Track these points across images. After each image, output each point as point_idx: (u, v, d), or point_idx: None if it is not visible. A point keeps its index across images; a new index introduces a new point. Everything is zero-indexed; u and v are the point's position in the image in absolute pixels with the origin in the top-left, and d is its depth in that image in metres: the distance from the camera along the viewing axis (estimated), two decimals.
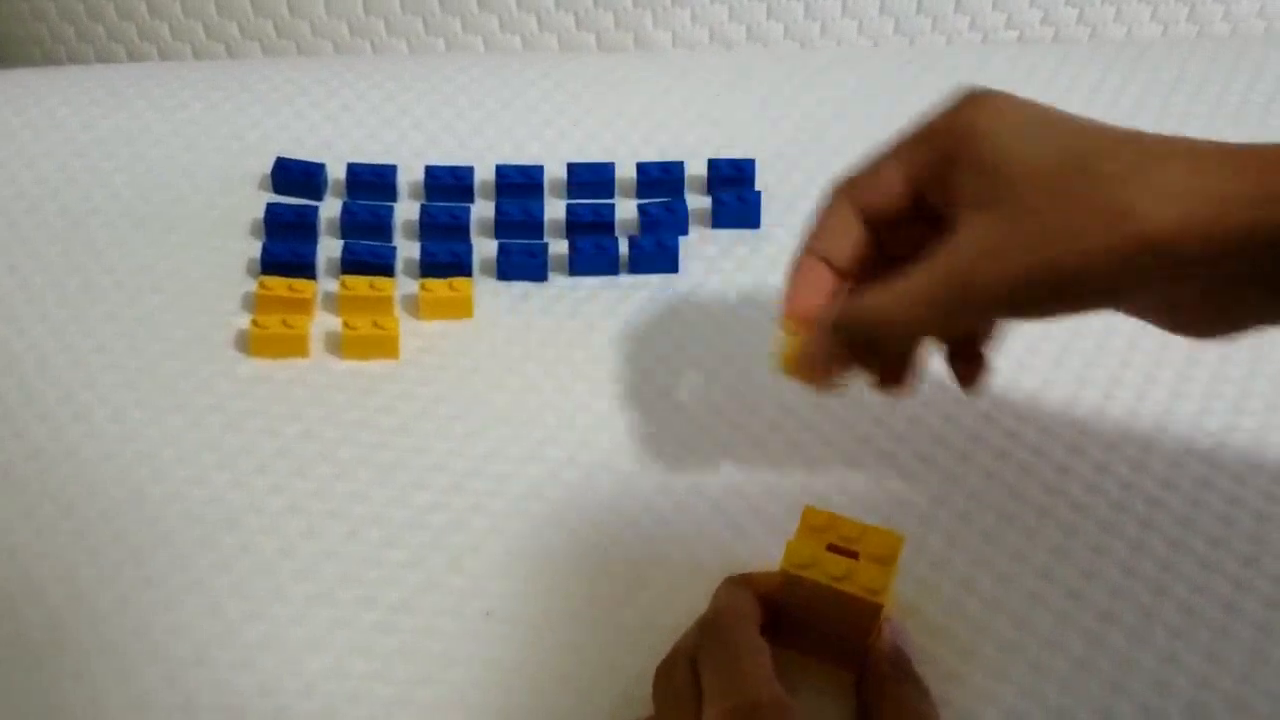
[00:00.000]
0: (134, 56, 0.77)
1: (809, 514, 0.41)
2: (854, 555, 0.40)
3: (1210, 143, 0.37)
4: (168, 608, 0.44)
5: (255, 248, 0.57)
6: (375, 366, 0.52)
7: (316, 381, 0.52)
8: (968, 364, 0.43)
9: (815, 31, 0.75)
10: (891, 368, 0.42)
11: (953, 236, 0.37)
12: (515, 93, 0.67)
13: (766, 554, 0.45)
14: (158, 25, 0.75)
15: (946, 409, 0.50)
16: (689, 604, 0.44)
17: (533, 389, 0.52)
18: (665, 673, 0.40)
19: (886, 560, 0.40)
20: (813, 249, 0.42)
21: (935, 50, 0.75)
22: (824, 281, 0.41)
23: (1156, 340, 0.53)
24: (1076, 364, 0.52)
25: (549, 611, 0.44)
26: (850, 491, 0.48)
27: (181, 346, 0.53)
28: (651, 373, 0.52)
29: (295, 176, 0.60)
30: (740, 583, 0.41)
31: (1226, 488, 0.48)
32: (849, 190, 0.41)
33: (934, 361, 0.51)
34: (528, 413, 0.51)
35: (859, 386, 0.44)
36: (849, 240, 0.41)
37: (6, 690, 0.42)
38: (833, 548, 0.40)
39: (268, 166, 0.61)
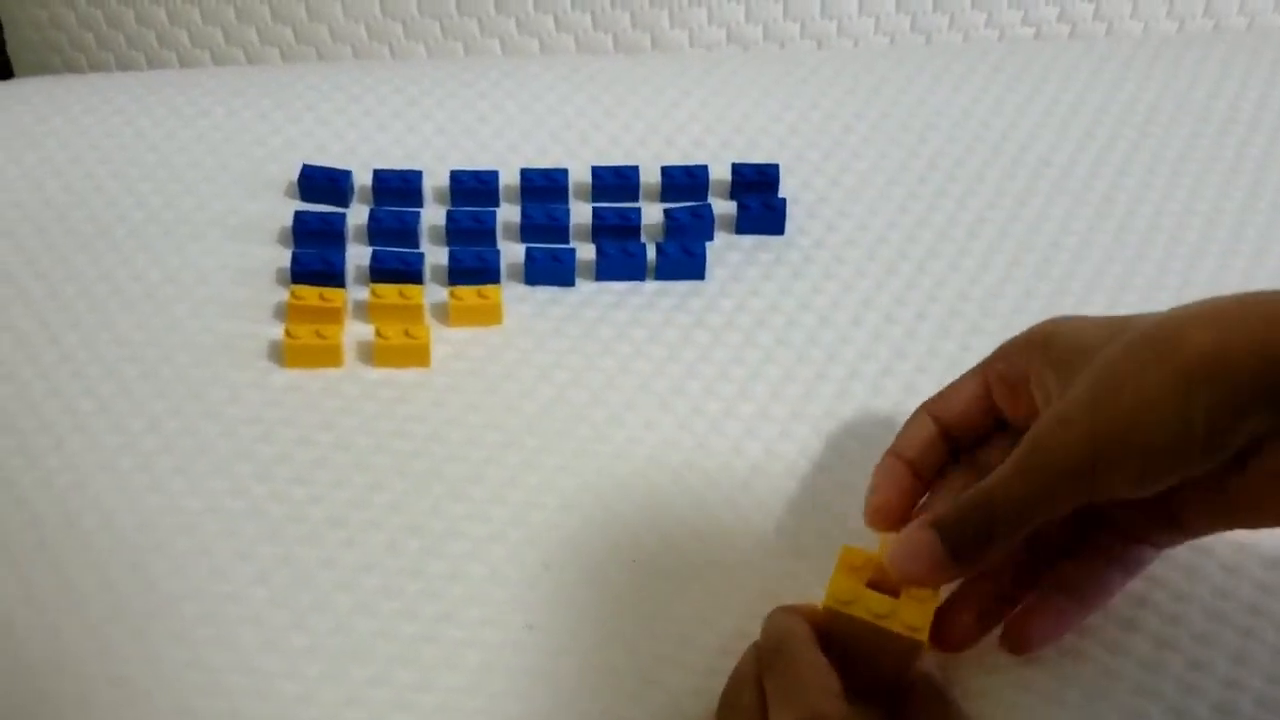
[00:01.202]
0: (153, 63, 0.77)
1: (847, 554, 0.42)
2: (894, 591, 0.41)
3: (1255, 294, 0.38)
4: (209, 619, 0.44)
5: (282, 255, 0.57)
6: (407, 375, 0.53)
7: (349, 390, 0.52)
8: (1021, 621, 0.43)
9: (832, 30, 0.76)
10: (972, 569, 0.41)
11: (1032, 438, 0.39)
12: (535, 96, 0.67)
13: (800, 570, 0.45)
14: (177, 32, 0.76)
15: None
16: (728, 618, 0.44)
17: (564, 398, 0.52)
18: (731, 695, 0.40)
19: (926, 602, 0.40)
20: (892, 452, 0.44)
21: (952, 48, 0.75)
22: (904, 481, 0.44)
23: None
24: None
25: (588, 624, 0.44)
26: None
27: (212, 355, 0.53)
28: (682, 383, 0.53)
29: (321, 183, 0.60)
30: (794, 611, 0.41)
31: None
32: (931, 405, 0.45)
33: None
34: (560, 422, 0.51)
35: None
36: (923, 443, 0.44)
37: (52, 702, 0.43)
38: (878, 572, 0.41)
39: (292, 173, 0.61)
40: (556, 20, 0.74)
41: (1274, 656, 0.43)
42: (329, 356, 0.53)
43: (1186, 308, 0.39)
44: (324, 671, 0.43)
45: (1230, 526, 0.42)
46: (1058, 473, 0.38)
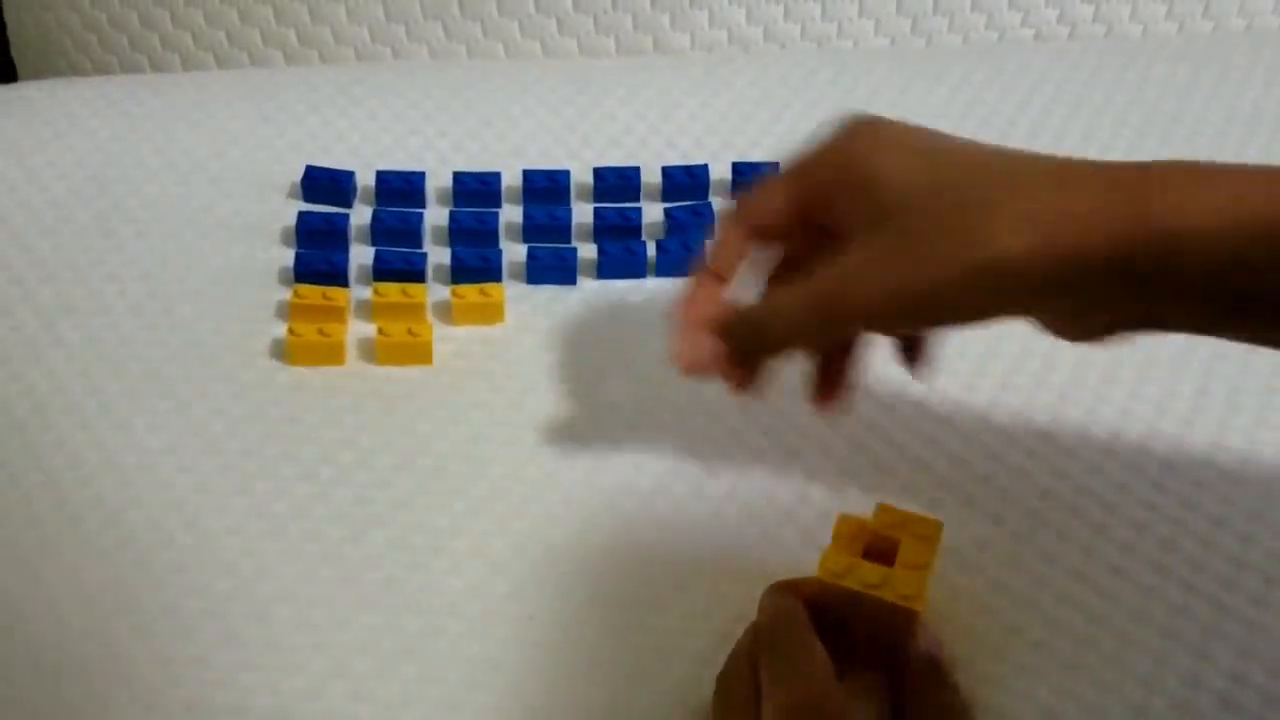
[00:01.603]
0: (157, 66, 0.77)
1: (842, 522, 0.42)
2: (894, 546, 0.41)
3: (1079, 163, 0.38)
4: (215, 615, 0.45)
5: (286, 255, 0.58)
6: (410, 372, 0.53)
7: (353, 388, 0.52)
8: (832, 381, 0.46)
9: (832, 32, 0.76)
10: (754, 369, 0.44)
11: (835, 255, 0.40)
12: (538, 98, 0.67)
13: (801, 559, 0.45)
14: (180, 34, 0.76)
15: (978, 411, 0.51)
16: (728, 608, 0.44)
17: (567, 393, 0.52)
18: (727, 681, 0.40)
19: (928, 540, 0.41)
20: (706, 266, 0.44)
21: (952, 49, 0.75)
22: (713, 294, 0.44)
23: (1178, 344, 0.54)
24: (1103, 361, 0.53)
25: (589, 616, 0.45)
26: (882, 495, 0.48)
27: (216, 354, 0.54)
28: (683, 379, 0.53)
29: (325, 184, 0.61)
30: (785, 589, 0.42)
31: (1259, 483, 0.48)
32: (738, 212, 0.44)
33: (962, 369, 0.52)
34: (562, 417, 0.51)
35: (895, 400, 0.45)
36: (738, 258, 0.44)
37: (60, 699, 0.43)
38: (872, 542, 0.41)
39: (296, 174, 0.61)
40: (559, 23, 0.75)
41: (1279, 650, 0.43)
42: (332, 354, 0.53)
43: (1011, 179, 0.38)
44: (329, 667, 0.43)
45: None
46: (842, 317, 0.40)
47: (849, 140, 0.41)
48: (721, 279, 0.44)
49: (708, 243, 0.45)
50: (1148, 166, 0.37)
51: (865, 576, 0.40)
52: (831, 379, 0.46)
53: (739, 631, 0.42)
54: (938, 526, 0.42)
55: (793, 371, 0.53)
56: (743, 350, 0.43)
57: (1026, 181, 0.37)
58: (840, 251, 0.40)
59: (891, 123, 0.42)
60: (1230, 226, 0.35)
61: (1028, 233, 0.36)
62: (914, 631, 0.41)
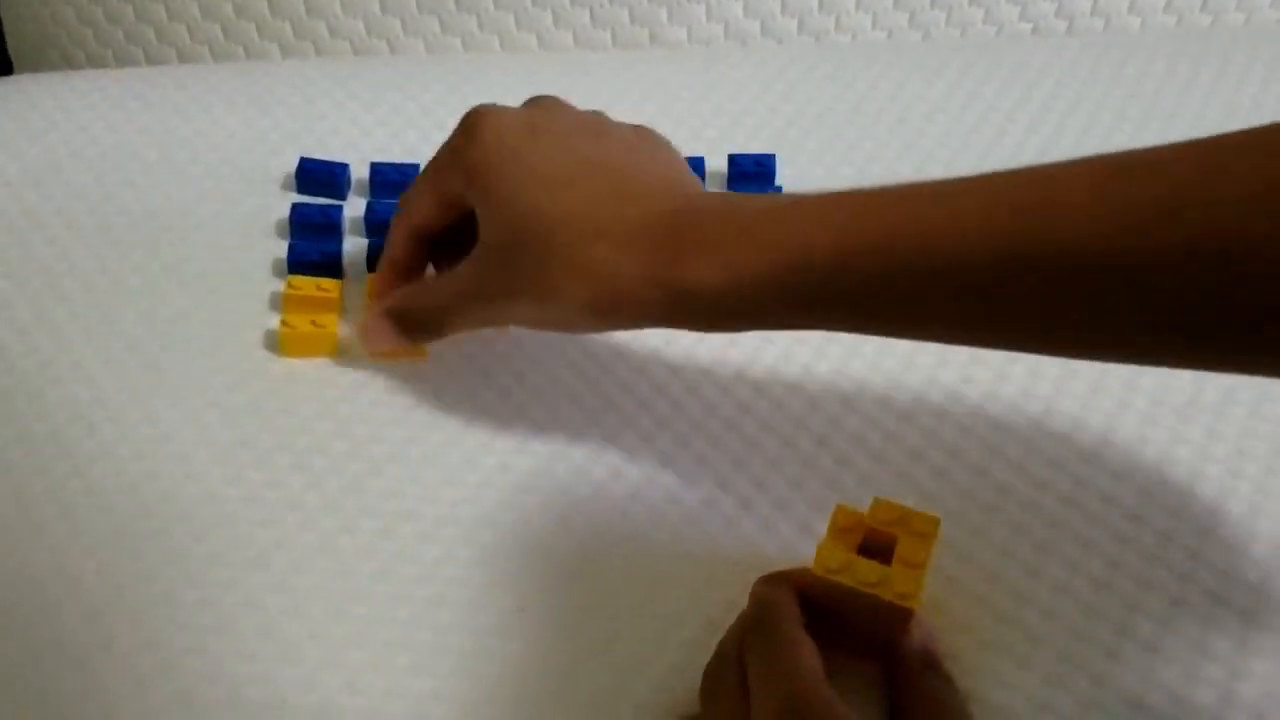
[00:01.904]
0: (152, 59, 0.77)
1: (839, 513, 0.42)
2: (890, 542, 0.41)
3: (634, 216, 0.43)
4: (207, 604, 0.44)
5: (280, 247, 0.58)
6: (402, 364, 0.53)
7: (345, 380, 0.52)
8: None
9: (830, 25, 0.76)
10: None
11: (468, 257, 0.47)
12: (534, 91, 0.67)
13: (794, 550, 0.45)
14: (176, 28, 0.76)
15: (973, 404, 0.51)
16: (719, 599, 0.44)
17: (559, 385, 0.52)
18: (713, 673, 0.40)
19: (925, 537, 0.40)
20: (384, 261, 0.52)
21: (950, 43, 0.75)
22: (396, 284, 0.51)
23: None
24: None
25: (579, 606, 0.45)
26: (877, 488, 0.48)
27: (212, 346, 0.53)
28: (679, 368, 0.53)
29: (319, 176, 0.60)
30: (778, 580, 0.42)
31: (1256, 476, 0.48)
32: (399, 214, 0.51)
33: (958, 360, 0.52)
34: (554, 409, 0.51)
35: (892, 391, 0.45)
36: (402, 252, 0.51)
37: (53, 688, 0.43)
38: (869, 535, 0.41)
39: (290, 166, 0.61)
40: (555, 16, 0.75)
41: (1277, 642, 0.43)
42: (325, 345, 0.53)
43: (572, 231, 0.44)
44: (321, 657, 0.43)
45: None
46: (479, 306, 0.47)
47: (465, 141, 0.47)
48: (401, 271, 0.51)
49: (386, 243, 0.51)
50: (679, 219, 0.43)
51: (862, 574, 0.40)
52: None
53: (730, 621, 0.42)
54: (935, 523, 0.41)
55: (789, 364, 0.53)
56: (411, 334, 0.50)
57: (589, 238, 0.43)
58: (470, 255, 0.47)
59: (502, 118, 0.47)
60: (738, 281, 0.41)
61: (582, 283, 0.43)
62: (910, 626, 0.41)
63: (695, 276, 0.42)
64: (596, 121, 0.49)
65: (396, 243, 0.51)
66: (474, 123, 0.47)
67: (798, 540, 0.46)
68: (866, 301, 0.40)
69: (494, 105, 0.48)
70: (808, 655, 0.38)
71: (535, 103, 0.50)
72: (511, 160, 0.46)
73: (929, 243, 0.38)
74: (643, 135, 0.49)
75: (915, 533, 0.41)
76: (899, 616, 0.40)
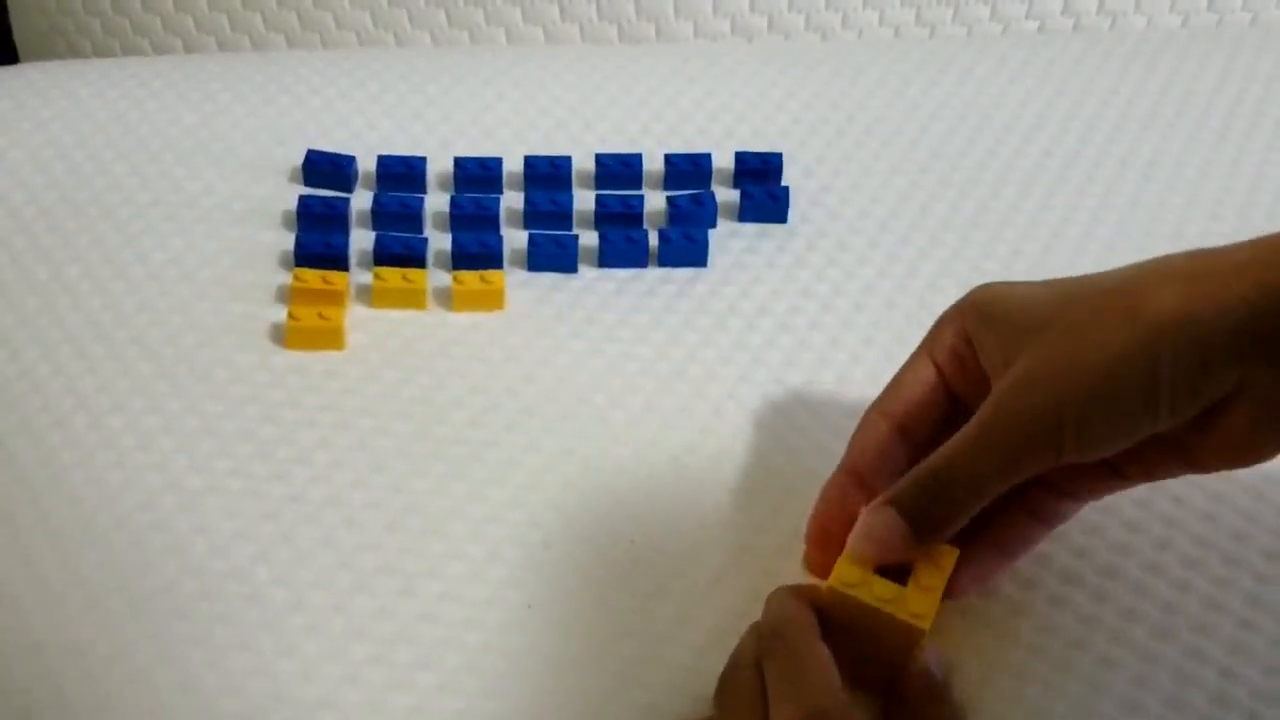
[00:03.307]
0: (158, 50, 0.77)
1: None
2: (908, 565, 0.41)
3: (1200, 257, 0.38)
4: (209, 596, 0.45)
5: (286, 239, 0.58)
6: (409, 357, 0.53)
7: (351, 373, 0.52)
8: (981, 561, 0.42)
9: (836, 22, 0.76)
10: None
11: (989, 404, 0.38)
12: (540, 84, 0.67)
13: (799, 552, 0.45)
14: (182, 18, 0.76)
15: None
16: (727, 600, 0.44)
17: (565, 382, 0.52)
18: (729, 679, 0.40)
19: (941, 569, 0.40)
20: (846, 467, 0.42)
21: (956, 41, 0.75)
22: (854, 501, 0.41)
23: None
24: None
25: (587, 604, 0.45)
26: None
27: (216, 337, 0.53)
28: (684, 368, 0.53)
29: (325, 168, 0.60)
30: (794, 593, 0.41)
31: (1251, 483, 0.48)
32: (882, 402, 0.42)
33: None
34: (561, 405, 0.51)
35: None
36: (883, 456, 0.42)
37: (54, 679, 0.43)
38: (882, 569, 0.41)
39: (296, 158, 0.61)
40: (561, 10, 0.75)
41: (1271, 648, 0.43)
42: (331, 339, 0.53)
43: (1140, 267, 0.38)
44: (323, 650, 0.43)
45: (1175, 475, 0.41)
46: (1025, 437, 0.37)
47: (972, 296, 0.41)
48: (863, 483, 0.41)
49: (850, 443, 0.42)
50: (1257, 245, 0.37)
51: (877, 591, 0.40)
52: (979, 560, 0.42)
53: (738, 622, 0.42)
54: (952, 555, 0.41)
55: (795, 370, 0.53)
56: (929, 520, 0.39)
57: (1155, 285, 0.37)
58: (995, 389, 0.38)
59: (1007, 282, 0.42)
60: None
61: (1173, 287, 0.36)
62: (916, 650, 0.41)
63: None
64: None
65: (873, 442, 0.41)
66: (964, 297, 0.42)
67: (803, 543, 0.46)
68: None
69: None
70: (827, 666, 0.38)
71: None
72: (1020, 283, 0.41)
73: None
74: None
75: (932, 561, 0.41)
76: (909, 638, 0.40)
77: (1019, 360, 0.38)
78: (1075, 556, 0.46)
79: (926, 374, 0.42)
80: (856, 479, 0.42)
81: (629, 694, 0.42)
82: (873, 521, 0.39)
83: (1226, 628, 0.43)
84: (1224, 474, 0.47)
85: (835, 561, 0.40)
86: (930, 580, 0.40)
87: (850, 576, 0.40)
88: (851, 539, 0.40)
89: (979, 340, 0.40)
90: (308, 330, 0.53)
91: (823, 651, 0.39)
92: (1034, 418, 0.37)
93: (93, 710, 0.42)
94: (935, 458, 0.39)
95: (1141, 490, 0.47)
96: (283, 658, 0.43)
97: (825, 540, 0.42)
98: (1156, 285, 0.37)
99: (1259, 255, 0.37)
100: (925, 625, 0.39)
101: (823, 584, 0.41)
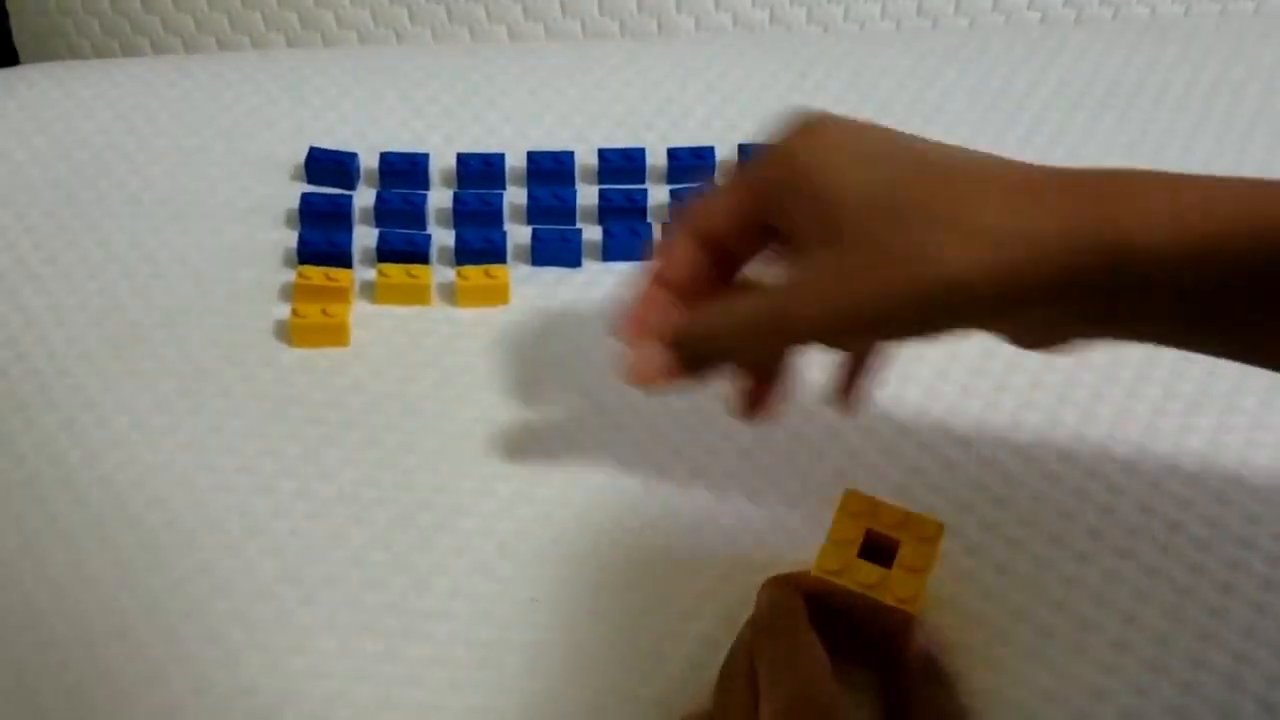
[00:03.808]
0: (158, 50, 0.77)
1: (849, 499, 0.42)
2: (894, 543, 0.40)
3: (1035, 171, 0.37)
4: (220, 593, 0.45)
5: (290, 237, 0.58)
6: (414, 354, 0.53)
7: (357, 370, 0.52)
8: (846, 387, 0.45)
9: (838, 15, 0.76)
10: (755, 383, 0.44)
11: (789, 268, 0.39)
12: (542, 80, 0.67)
13: (805, 544, 0.45)
14: (182, 18, 0.76)
15: (984, 396, 0.51)
16: (733, 592, 0.44)
17: (571, 376, 0.52)
18: (726, 672, 0.40)
19: (929, 542, 0.40)
20: (653, 274, 0.43)
21: (958, 32, 0.75)
22: (662, 303, 0.42)
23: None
24: (1102, 362, 0.52)
25: (594, 599, 0.45)
26: (889, 480, 0.48)
27: (221, 336, 0.53)
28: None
29: (328, 166, 0.60)
30: (784, 582, 0.41)
31: (1263, 464, 0.48)
32: (686, 218, 0.42)
33: (957, 357, 0.52)
34: (567, 399, 0.51)
35: (901, 388, 0.45)
36: (686, 263, 0.42)
37: (69, 679, 0.43)
38: (872, 535, 0.41)
39: (299, 156, 0.61)
40: (562, 6, 0.75)
41: None
42: (336, 335, 0.53)
43: (971, 167, 0.37)
44: (335, 646, 0.43)
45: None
46: (785, 336, 0.39)
47: (797, 143, 0.40)
48: (670, 286, 0.42)
49: (656, 247, 0.43)
50: (1106, 175, 0.36)
51: (861, 576, 0.40)
52: (850, 379, 0.45)
53: (743, 616, 0.42)
54: (939, 528, 0.41)
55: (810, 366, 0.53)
56: (692, 363, 0.41)
57: (976, 194, 0.36)
58: (791, 262, 0.40)
59: (839, 123, 0.40)
60: (1191, 239, 0.34)
61: (976, 250, 0.35)
62: (912, 632, 0.41)
63: (1132, 231, 0.34)
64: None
65: (677, 254, 0.42)
66: (797, 120, 0.40)
67: (809, 534, 0.46)
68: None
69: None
70: (816, 655, 0.38)
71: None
72: (857, 140, 0.39)
73: None
74: None
75: (918, 537, 0.41)
76: (898, 620, 0.40)
77: (815, 250, 0.38)
78: (1089, 539, 0.46)
79: (732, 205, 0.41)
80: (663, 284, 0.43)
81: (637, 686, 0.42)
82: (653, 356, 0.41)
83: (1240, 612, 0.43)
84: (1240, 460, 0.47)
85: (644, 360, 0.41)
86: (916, 560, 0.40)
87: (832, 563, 0.40)
88: (631, 365, 0.42)
89: (790, 207, 0.39)
90: (312, 327, 0.52)
91: (811, 640, 0.38)
92: (803, 321, 0.38)
93: (107, 711, 0.42)
94: (715, 321, 0.41)
95: (1154, 479, 0.48)
96: (294, 655, 0.43)
97: (638, 339, 0.42)
98: (957, 239, 0.35)
99: (1067, 214, 0.35)
100: (914, 609, 0.39)
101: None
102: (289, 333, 0.53)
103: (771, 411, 0.45)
